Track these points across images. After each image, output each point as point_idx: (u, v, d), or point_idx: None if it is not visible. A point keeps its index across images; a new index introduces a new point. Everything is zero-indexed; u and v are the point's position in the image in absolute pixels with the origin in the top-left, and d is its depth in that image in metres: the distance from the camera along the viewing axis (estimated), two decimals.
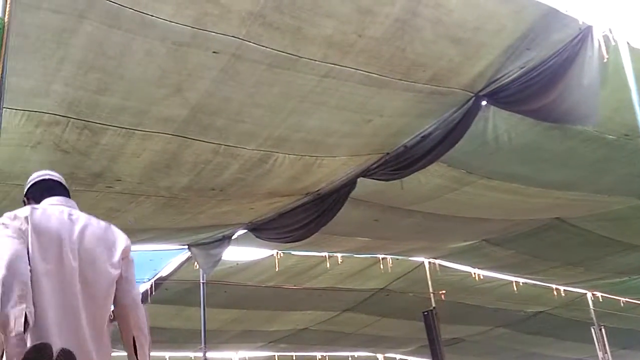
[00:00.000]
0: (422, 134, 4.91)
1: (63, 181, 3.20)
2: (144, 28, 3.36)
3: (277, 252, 8.24)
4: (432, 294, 9.62)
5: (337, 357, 13.41)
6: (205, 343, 8.31)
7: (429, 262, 9.49)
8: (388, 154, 5.21)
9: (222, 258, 7.49)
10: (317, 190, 5.88)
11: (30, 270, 2.51)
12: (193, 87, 3.92)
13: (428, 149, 4.86)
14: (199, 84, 3.91)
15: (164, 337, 10.96)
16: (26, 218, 2.67)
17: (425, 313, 9.31)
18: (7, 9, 2.42)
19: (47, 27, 3.27)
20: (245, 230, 7.03)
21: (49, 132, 4.16)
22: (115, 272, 2.84)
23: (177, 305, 9.56)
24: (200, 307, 8.25)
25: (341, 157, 5.15)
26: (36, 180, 3.12)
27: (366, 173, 5.44)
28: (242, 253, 8.09)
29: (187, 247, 7.73)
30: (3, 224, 2.63)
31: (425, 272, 9.49)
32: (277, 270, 8.40)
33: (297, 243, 6.90)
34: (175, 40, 3.49)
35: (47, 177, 3.14)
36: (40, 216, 2.74)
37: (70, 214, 2.90)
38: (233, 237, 7.30)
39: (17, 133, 4.09)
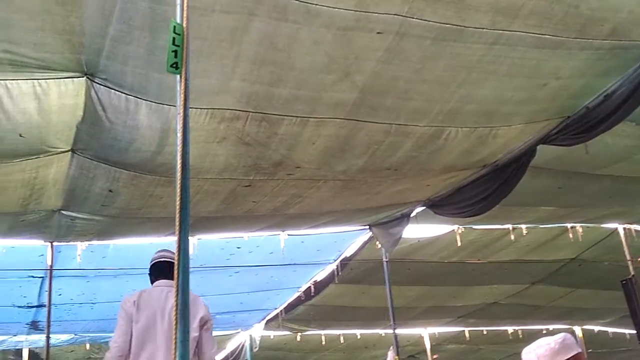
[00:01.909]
0: (604, 93, 4.58)
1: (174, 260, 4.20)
2: (309, 17, 3.46)
3: (458, 227, 8.13)
4: (629, 262, 9.02)
5: (530, 330, 12.97)
6: (393, 320, 8.44)
7: (624, 228, 8.88)
8: (569, 117, 4.93)
9: (403, 236, 7.54)
10: (495, 162, 5.72)
11: (136, 335, 4.01)
12: (360, 69, 3.97)
13: (612, 109, 4.53)
14: (366, 66, 3.95)
15: (354, 316, 11.29)
16: (134, 302, 4.08)
17: (624, 282, 8.75)
18: (185, 15, 2.59)
19: (221, 28, 3.47)
20: (424, 207, 7.03)
21: (231, 127, 4.43)
22: (195, 334, 4.05)
23: (363, 285, 9.78)
24: (385, 285, 8.38)
25: (517, 125, 4.96)
26: (154, 262, 4.40)
27: (546, 139, 5.19)
28: (422, 230, 8.08)
29: (367, 227, 7.88)
30: (121, 307, 4.11)
31: (620, 239, 8.91)
32: (459, 245, 8.30)
33: (477, 217, 6.76)
34: (339, 26, 3.55)
35: (162, 259, 4.37)
36: (145, 298, 4.14)
37: (167, 292, 4.11)
38: (412, 215, 7.32)
39: (203, 130, 4.40)
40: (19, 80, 3.70)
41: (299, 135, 4.66)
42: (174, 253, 4.47)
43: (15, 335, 10.69)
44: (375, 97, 4.30)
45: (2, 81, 3.68)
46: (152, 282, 4.40)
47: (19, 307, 9.07)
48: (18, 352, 11.88)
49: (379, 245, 8.07)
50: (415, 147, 5.05)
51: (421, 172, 5.70)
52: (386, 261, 8.40)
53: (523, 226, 8.26)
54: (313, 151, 4.94)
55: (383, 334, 12.52)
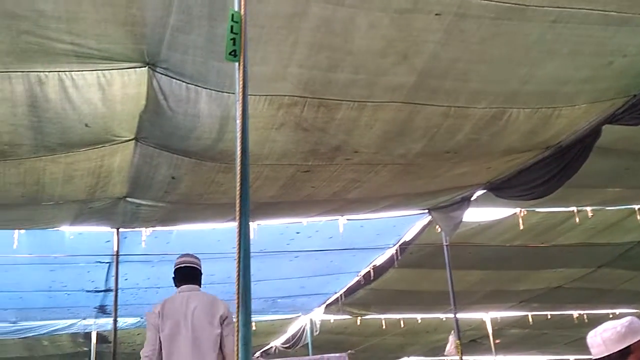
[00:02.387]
0: None
1: (197, 264, 4.72)
2: (365, 1, 3.44)
3: (520, 210, 7.98)
4: None
5: (596, 314, 12.67)
6: (454, 304, 8.38)
7: None
8: (635, 96, 4.77)
9: (463, 220, 7.45)
10: (558, 143, 5.58)
11: (163, 344, 4.36)
12: (418, 52, 3.93)
13: None
14: (424, 49, 3.90)
15: (414, 300, 11.25)
16: (159, 312, 4.42)
17: None
18: (243, 3, 2.60)
19: (279, 14, 3.49)
20: (485, 191, 6.92)
21: (289, 113, 4.46)
22: (217, 331, 4.40)
23: (423, 269, 9.73)
24: (445, 269, 8.32)
25: (581, 105, 4.82)
26: (178, 267, 4.69)
27: (612, 119, 5.02)
28: (483, 213, 7.97)
29: (427, 211, 7.82)
30: (147, 319, 4.49)
31: None
32: (521, 228, 8.15)
33: (540, 199, 6.63)
34: (397, 8, 3.51)
35: (183, 265, 4.67)
36: (168, 306, 4.47)
37: (188, 298, 4.48)
38: (472, 198, 7.23)
39: (262, 117, 4.44)
40: (83, 72, 3.80)
41: (357, 119, 4.64)
42: (196, 258, 4.91)
43: (84, 319, 11.10)
44: (434, 80, 4.24)
45: (67, 72, 3.79)
46: (176, 286, 4.67)
47: (88, 291, 9.40)
48: (87, 335, 12.29)
49: (439, 229, 8.01)
50: (475, 130, 4.97)
51: (482, 155, 5.61)
52: (446, 245, 8.33)
53: (588, 208, 8.04)
54: (371, 135, 4.92)
55: (444, 319, 12.45)
